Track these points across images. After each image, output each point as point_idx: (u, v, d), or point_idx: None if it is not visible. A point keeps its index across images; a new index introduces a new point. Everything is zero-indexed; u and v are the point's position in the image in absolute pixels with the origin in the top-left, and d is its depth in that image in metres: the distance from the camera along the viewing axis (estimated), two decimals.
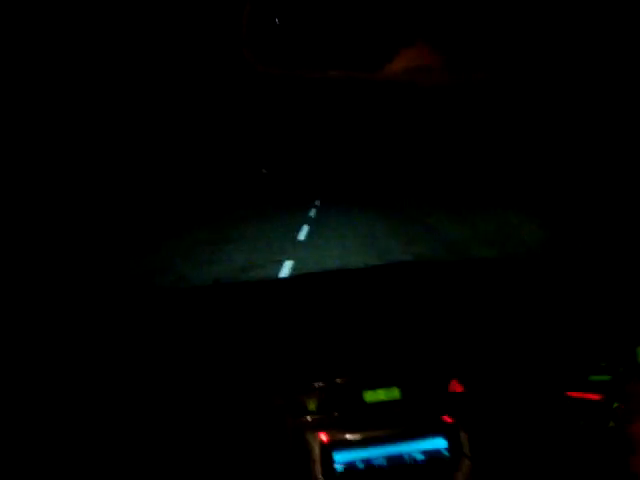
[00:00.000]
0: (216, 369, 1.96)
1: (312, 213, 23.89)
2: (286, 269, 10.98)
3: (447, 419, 1.86)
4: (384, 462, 1.82)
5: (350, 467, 1.82)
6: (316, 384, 1.87)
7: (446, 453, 1.83)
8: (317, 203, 29.76)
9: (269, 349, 1.98)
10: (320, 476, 1.81)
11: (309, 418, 1.85)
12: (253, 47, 1.73)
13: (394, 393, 1.87)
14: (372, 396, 1.87)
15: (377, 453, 1.83)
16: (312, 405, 1.85)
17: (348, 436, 1.82)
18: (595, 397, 2.08)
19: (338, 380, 1.89)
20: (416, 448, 1.83)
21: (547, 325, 2.12)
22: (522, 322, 2.13)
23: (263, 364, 1.94)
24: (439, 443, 1.85)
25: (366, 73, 1.89)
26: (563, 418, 2.02)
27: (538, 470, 1.95)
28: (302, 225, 18.61)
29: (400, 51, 2.07)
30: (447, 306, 2.17)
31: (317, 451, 1.80)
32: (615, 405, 2.08)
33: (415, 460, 1.82)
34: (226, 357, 1.97)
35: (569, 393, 2.09)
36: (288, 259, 11.99)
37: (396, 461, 1.82)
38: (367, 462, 1.83)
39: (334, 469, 1.81)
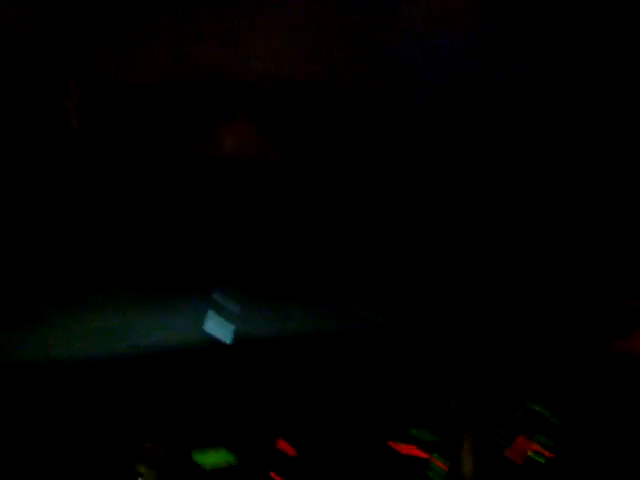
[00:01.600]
0: None
1: None
2: None
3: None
4: None
5: None
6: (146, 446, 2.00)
7: None
8: None
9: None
10: None
11: None
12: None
13: (224, 455, 2.03)
14: (203, 458, 2.01)
15: None
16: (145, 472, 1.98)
17: None
18: (422, 454, 2.36)
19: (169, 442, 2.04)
20: None
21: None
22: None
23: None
24: None
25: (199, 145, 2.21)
26: (388, 469, 2.29)
27: None
28: None
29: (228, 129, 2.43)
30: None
31: None
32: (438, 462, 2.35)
33: None
34: None
35: (395, 445, 2.37)
36: None
37: None
38: None
39: None
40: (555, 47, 4.19)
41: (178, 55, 3.62)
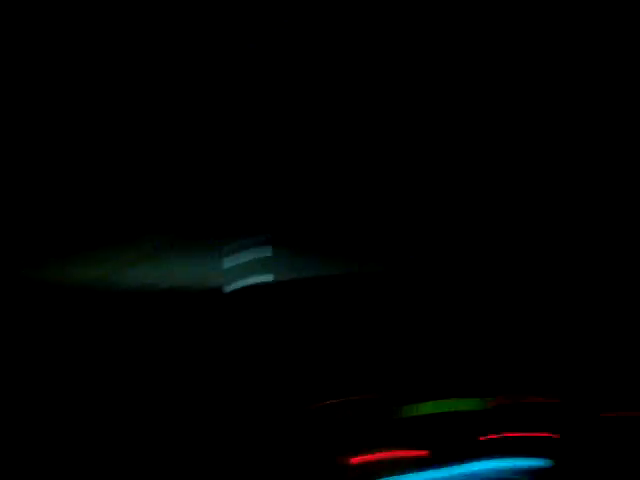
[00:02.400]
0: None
1: None
2: None
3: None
4: None
5: None
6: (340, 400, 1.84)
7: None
8: None
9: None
10: None
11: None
12: None
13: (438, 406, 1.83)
14: (410, 411, 1.82)
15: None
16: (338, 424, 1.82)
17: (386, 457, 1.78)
18: None
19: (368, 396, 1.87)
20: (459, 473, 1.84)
21: None
22: None
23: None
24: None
25: None
26: None
27: None
28: None
29: None
30: None
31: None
32: None
33: None
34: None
35: None
36: None
37: None
38: None
39: None
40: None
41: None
